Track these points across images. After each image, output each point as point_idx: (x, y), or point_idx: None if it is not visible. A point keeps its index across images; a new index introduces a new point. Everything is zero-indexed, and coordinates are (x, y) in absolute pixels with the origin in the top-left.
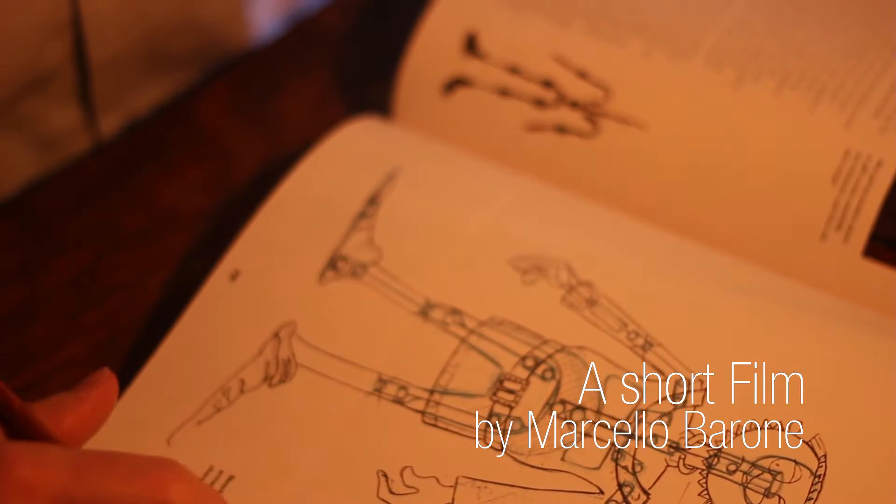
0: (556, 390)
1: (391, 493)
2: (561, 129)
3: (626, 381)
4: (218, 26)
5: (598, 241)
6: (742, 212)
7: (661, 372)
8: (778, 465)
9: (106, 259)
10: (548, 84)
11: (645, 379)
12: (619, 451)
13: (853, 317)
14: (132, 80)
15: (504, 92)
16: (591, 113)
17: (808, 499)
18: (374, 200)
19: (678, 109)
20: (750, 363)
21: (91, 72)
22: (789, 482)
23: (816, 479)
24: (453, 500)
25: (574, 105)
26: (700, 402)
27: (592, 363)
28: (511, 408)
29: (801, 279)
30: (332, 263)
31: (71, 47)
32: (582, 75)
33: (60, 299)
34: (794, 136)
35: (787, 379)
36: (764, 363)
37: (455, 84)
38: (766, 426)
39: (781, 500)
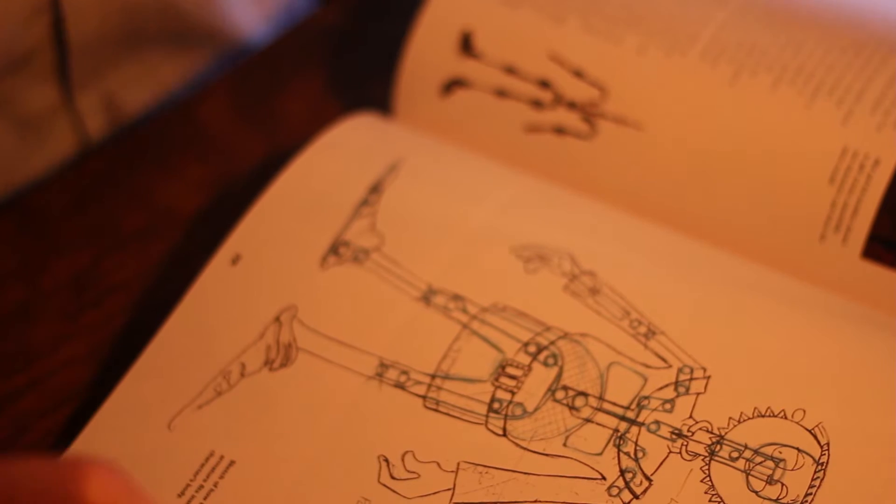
0: (559, 376)
1: (392, 478)
2: (559, 131)
3: (629, 369)
4: (195, 8)
5: (601, 234)
6: (741, 213)
7: (663, 360)
8: (780, 452)
9: (106, 259)
10: (544, 84)
11: (647, 367)
12: (621, 437)
13: (853, 312)
14: (110, 59)
15: (501, 93)
16: (589, 114)
17: (811, 486)
18: (376, 188)
19: (675, 109)
20: (751, 353)
21: (70, 51)
22: (792, 469)
23: (819, 467)
24: (454, 485)
25: (571, 106)
26: (702, 391)
27: (595, 350)
28: (513, 393)
29: (801, 280)
30: (334, 248)
31: (50, 27)
32: (578, 74)
33: (60, 299)
34: (792, 135)
35: (789, 370)
36: (766, 354)
37: (453, 85)
38: (769, 415)
39: (784, 488)
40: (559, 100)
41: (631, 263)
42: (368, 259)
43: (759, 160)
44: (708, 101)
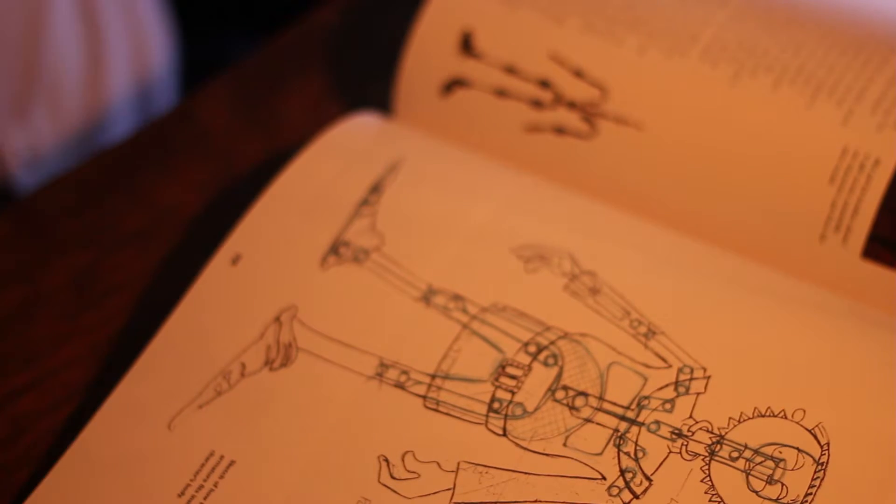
0: (559, 376)
1: (392, 478)
2: (559, 131)
3: (629, 369)
4: None
5: (601, 234)
6: (741, 213)
7: (663, 360)
8: (781, 452)
9: (106, 259)
10: (545, 84)
11: (647, 366)
12: (621, 437)
13: (853, 311)
14: None
15: (502, 93)
16: (589, 114)
17: (811, 486)
18: (376, 188)
19: (675, 109)
20: (751, 353)
21: None
22: (792, 469)
23: (819, 467)
24: (454, 485)
25: (571, 105)
26: (702, 391)
27: (595, 350)
28: (513, 393)
29: (801, 280)
30: (335, 248)
31: None
32: (578, 74)
33: (60, 299)
34: (792, 134)
35: (789, 370)
36: (766, 354)
37: (453, 85)
38: (769, 415)
39: (784, 488)
40: (559, 100)
41: (631, 263)
42: (368, 259)
43: (759, 160)
44: (708, 101)
